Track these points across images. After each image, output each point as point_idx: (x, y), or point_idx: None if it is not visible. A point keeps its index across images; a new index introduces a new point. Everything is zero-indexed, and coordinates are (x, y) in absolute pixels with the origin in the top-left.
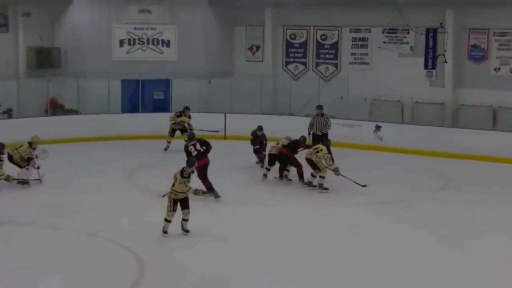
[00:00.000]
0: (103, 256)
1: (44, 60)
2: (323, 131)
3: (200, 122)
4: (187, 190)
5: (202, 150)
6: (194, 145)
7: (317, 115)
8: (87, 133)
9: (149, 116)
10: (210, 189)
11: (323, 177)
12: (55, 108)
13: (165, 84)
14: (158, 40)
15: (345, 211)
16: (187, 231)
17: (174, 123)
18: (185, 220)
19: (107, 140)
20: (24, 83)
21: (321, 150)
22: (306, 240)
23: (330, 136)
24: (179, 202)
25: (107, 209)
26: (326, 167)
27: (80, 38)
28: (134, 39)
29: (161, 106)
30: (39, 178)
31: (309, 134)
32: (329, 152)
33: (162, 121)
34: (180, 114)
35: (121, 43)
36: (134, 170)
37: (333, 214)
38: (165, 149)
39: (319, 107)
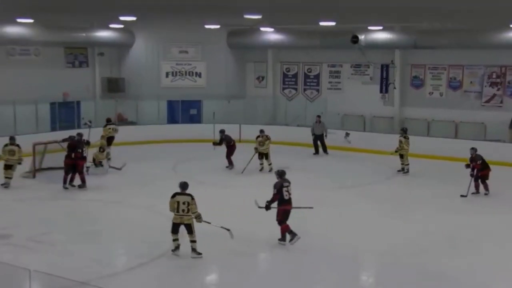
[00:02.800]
0: (155, 226)
1: (113, 86)
2: (324, 133)
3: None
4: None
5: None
6: (287, 187)
7: (316, 122)
8: (143, 138)
9: (186, 126)
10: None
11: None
12: (121, 120)
13: (198, 104)
14: (192, 72)
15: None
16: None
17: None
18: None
19: (157, 143)
20: (99, 103)
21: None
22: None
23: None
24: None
25: (159, 189)
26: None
27: (139, 71)
28: (176, 72)
29: (195, 119)
30: (119, 167)
31: (312, 134)
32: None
33: (195, 130)
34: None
35: (167, 74)
36: (177, 163)
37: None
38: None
39: (319, 116)
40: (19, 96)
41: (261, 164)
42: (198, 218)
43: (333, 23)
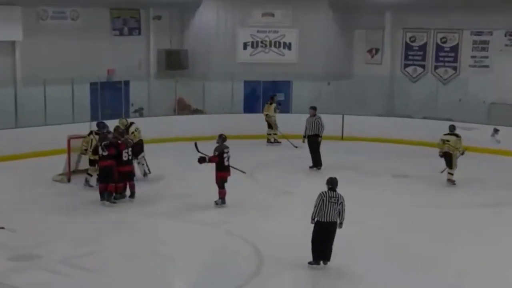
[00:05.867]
0: (226, 248)
1: (173, 62)
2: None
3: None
4: None
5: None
6: (227, 153)
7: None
8: (211, 132)
9: None
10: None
11: None
12: (182, 107)
13: (286, 86)
14: (279, 43)
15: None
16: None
17: None
18: None
19: (229, 139)
20: (154, 84)
21: None
22: None
23: None
24: None
25: (231, 203)
26: None
27: (207, 41)
28: (257, 42)
29: (281, 107)
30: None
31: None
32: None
33: (286, 121)
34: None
35: (245, 45)
36: (255, 167)
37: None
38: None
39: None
40: (50, 73)
41: None
42: None
43: None
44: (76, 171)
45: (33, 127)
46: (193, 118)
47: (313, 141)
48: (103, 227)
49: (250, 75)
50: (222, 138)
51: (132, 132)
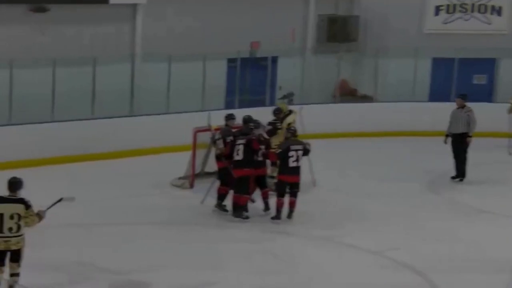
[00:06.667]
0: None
1: (338, 32)
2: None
3: None
4: None
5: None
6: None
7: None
8: (384, 127)
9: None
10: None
11: None
12: (345, 92)
13: (489, 65)
14: (486, 7)
15: None
16: None
17: None
18: None
19: (408, 136)
20: (310, 60)
21: None
22: None
23: None
24: None
25: (396, 223)
26: None
27: (385, 5)
28: (454, 5)
29: (481, 93)
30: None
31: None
32: None
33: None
34: None
35: (437, 10)
36: (437, 176)
37: None
38: None
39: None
40: (177, 47)
41: None
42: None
43: None
44: (202, 174)
45: (151, 116)
46: (360, 107)
47: (459, 141)
48: (231, 250)
49: (442, 51)
50: (291, 132)
51: (289, 124)
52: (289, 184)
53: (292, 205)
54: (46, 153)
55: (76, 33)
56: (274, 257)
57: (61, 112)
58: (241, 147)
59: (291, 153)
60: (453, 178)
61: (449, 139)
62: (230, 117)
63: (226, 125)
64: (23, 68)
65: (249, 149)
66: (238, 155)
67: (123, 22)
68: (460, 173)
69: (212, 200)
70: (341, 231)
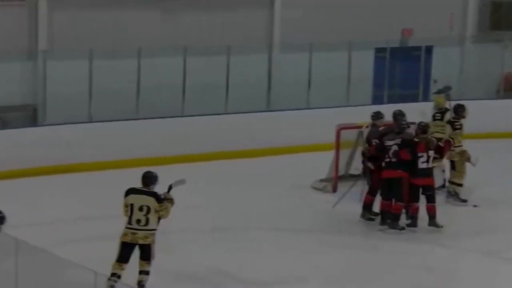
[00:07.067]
0: None
1: (503, 18)
2: None
3: None
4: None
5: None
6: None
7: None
8: None
9: None
10: None
11: None
12: (510, 87)
13: None
14: None
15: None
16: None
17: None
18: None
19: None
20: (470, 50)
21: None
22: None
23: None
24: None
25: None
26: None
27: None
28: None
29: None
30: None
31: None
32: None
33: None
34: None
35: None
36: None
37: None
38: None
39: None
40: (316, 36)
41: None
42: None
43: None
44: (346, 177)
45: (290, 111)
46: None
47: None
48: (378, 265)
49: None
50: (421, 129)
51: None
52: (421, 188)
53: (429, 211)
54: (177, 150)
55: (208, 20)
56: (428, 272)
57: (192, 106)
58: (393, 148)
59: (420, 154)
60: None
61: None
62: (377, 116)
63: (373, 125)
64: (152, 57)
65: (410, 152)
66: (390, 158)
67: (259, 8)
68: None
69: (354, 206)
70: (502, 245)
